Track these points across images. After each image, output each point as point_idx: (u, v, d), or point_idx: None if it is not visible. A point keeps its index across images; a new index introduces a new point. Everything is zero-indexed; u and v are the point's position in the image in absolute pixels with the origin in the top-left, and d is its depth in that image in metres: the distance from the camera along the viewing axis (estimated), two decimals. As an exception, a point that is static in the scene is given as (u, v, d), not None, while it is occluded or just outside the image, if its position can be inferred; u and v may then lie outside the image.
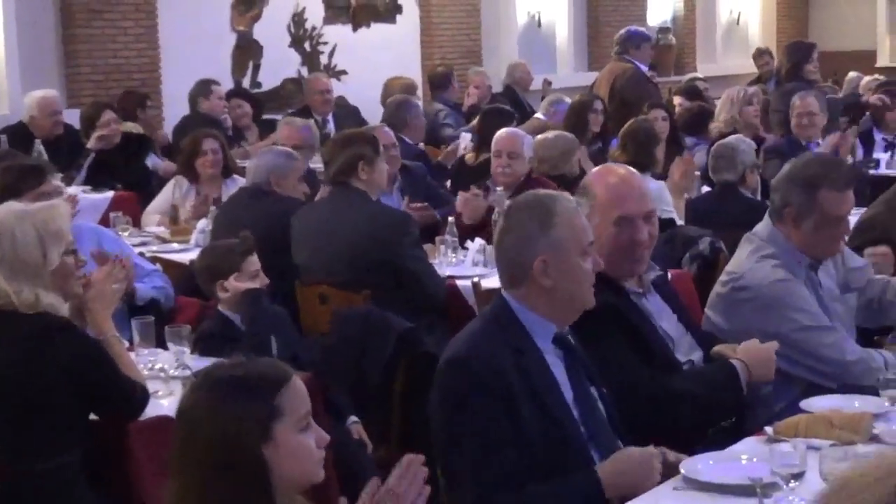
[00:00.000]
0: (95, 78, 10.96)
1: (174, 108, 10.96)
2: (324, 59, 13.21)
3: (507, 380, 3.30)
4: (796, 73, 10.76)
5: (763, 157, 8.14)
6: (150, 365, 4.52)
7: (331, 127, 10.80)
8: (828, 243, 4.38)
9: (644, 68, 10.67)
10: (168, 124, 10.91)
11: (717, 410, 3.95)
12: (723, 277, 4.48)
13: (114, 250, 5.26)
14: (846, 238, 4.57)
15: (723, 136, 8.06)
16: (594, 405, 3.51)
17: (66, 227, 4.13)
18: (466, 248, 6.36)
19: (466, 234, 6.52)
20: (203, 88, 10.54)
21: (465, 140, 9.36)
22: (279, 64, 12.77)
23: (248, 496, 2.46)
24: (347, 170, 6.06)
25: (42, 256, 3.99)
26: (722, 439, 3.74)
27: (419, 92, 12.19)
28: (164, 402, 4.20)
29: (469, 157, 8.62)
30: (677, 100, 10.94)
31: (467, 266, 6.22)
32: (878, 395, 3.77)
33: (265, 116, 11.33)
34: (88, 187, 8.64)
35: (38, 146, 8.68)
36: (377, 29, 13.69)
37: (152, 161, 9.59)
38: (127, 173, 9.02)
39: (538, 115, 10.63)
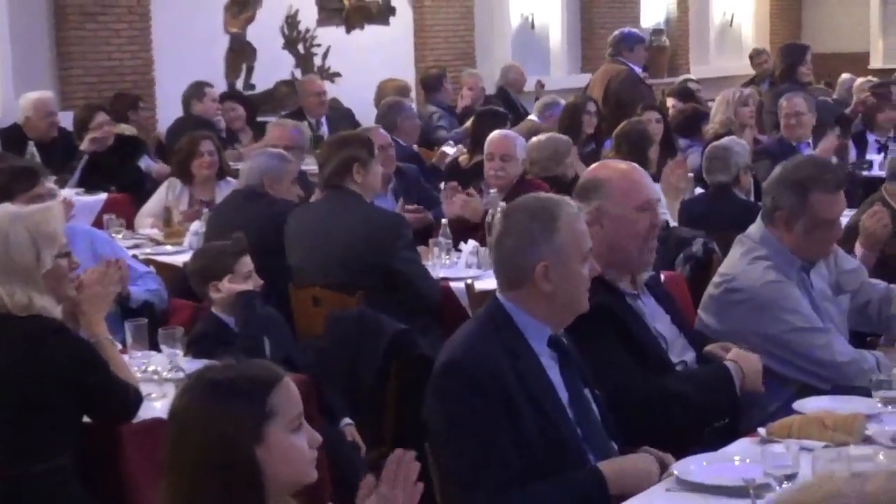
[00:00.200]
0: (88, 80, 10.95)
1: (167, 110, 10.95)
2: (317, 61, 13.20)
3: (504, 382, 3.31)
4: (790, 75, 10.78)
5: (753, 159, 8.15)
6: (143, 367, 4.51)
7: (324, 129, 10.80)
8: (820, 245, 4.39)
9: (638, 70, 10.68)
10: (161, 126, 10.91)
11: (711, 412, 3.97)
12: (716, 279, 4.48)
13: (107, 252, 5.26)
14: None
15: (718, 137, 8.07)
16: (588, 407, 3.53)
17: (60, 230, 4.13)
18: (460, 250, 6.36)
19: (460, 236, 6.52)
20: (196, 90, 10.54)
21: (453, 149, 9.39)
22: (273, 66, 12.76)
23: (241, 498, 2.46)
24: (342, 172, 6.05)
25: (35, 259, 3.98)
26: (715, 440, 3.75)
27: (413, 94, 12.19)
28: (158, 405, 4.20)
29: (462, 159, 8.62)
30: (670, 101, 10.94)
31: (461, 268, 6.22)
32: (870, 396, 3.77)
33: (259, 118, 11.33)
34: (82, 189, 8.63)
35: (31, 148, 8.67)
36: (371, 31, 13.69)
37: (145, 163, 9.58)
38: (120, 175, 9.00)
39: (532, 116, 10.63)
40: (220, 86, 11.57)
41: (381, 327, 5.29)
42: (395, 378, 5.25)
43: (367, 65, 13.02)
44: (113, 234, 6.84)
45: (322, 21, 13.27)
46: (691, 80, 12.82)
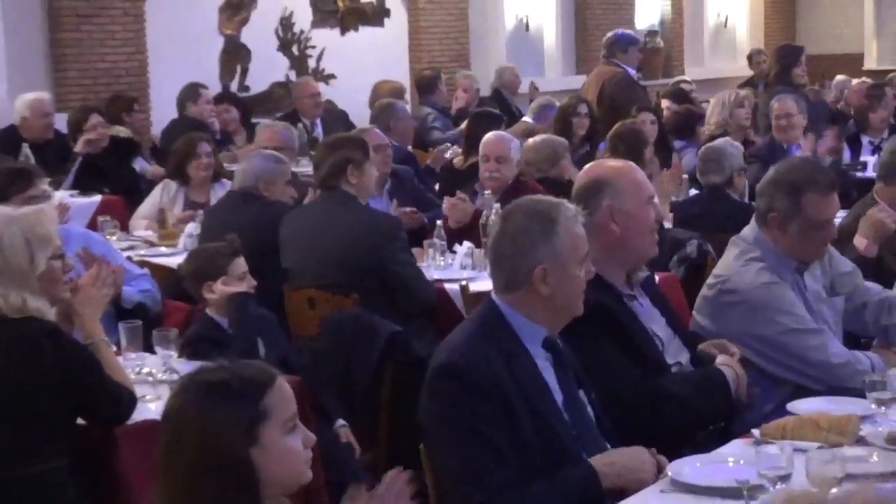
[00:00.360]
0: (83, 82, 10.95)
1: (162, 112, 10.95)
2: (312, 63, 13.20)
3: (499, 383, 3.32)
4: (784, 77, 10.78)
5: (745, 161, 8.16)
6: (137, 369, 4.51)
7: (319, 131, 10.80)
8: (814, 246, 4.39)
9: (632, 72, 10.68)
10: (156, 128, 10.90)
11: (707, 414, 3.98)
12: (710, 280, 4.48)
13: (102, 254, 5.25)
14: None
15: (713, 138, 8.08)
16: (583, 408, 3.53)
17: (54, 232, 4.13)
18: (454, 252, 6.36)
19: (454, 237, 6.52)
20: (191, 92, 10.54)
21: (452, 150, 9.39)
22: (267, 68, 12.76)
23: (236, 499, 2.46)
24: (336, 173, 6.05)
25: (29, 261, 3.98)
26: (710, 442, 3.76)
27: (407, 95, 12.19)
28: (152, 406, 4.19)
29: (457, 160, 8.63)
30: (665, 103, 10.95)
31: (455, 269, 6.22)
32: (864, 397, 3.77)
33: (253, 120, 11.31)
34: (76, 191, 8.62)
35: (26, 150, 8.65)
36: (365, 33, 13.69)
37: (140, 165, 9.58)
38: (115, 177, 9.00)
39: (526, 118, 10.64)
40: (215, 88, 11.56)
41: (376, 329, 5.29)
42: (390, 380, 5.25)
43: (362, 66, 13.02)
44: (107, 236, 6.83)
45: (316, 23, 13.27)
46: (685, 81, 12.83)
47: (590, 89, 10.60)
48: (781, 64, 10.96)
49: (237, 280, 4.87)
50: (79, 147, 8.97)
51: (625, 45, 10.63)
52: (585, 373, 3.62)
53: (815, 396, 3.98)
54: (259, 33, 12.66)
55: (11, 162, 7.03)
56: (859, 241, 5.29)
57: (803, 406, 3.81)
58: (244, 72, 12.66)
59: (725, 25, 18.69)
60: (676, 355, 4.08)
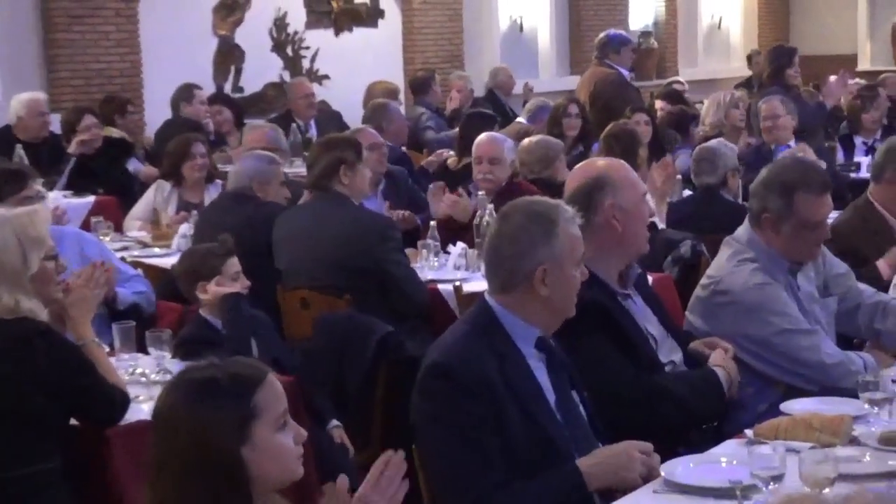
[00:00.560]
0: (76, 83, 10.94)
1: (156, 112, 10.94)
2: (306, 64, 13.20)
3: (491, 384, 3.32)
4: (777, 78, 10.79)
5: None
6: (130, 370, 4.51)
7: (313, 132, 10.80)
8: (807, 247, 4.39)
9: (625, 72, 10.68)
10: (150, 129, 10.90)
11: (700, 415, 3.99)
12: (703, 281, 4.49)
13: (95, 255, 5.25)
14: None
15: (708, 139, 8.08)
16: (576, 409, 3.54)
17: (46, 232, 4.13)
18: (448, 253, 6.36)
19: (448, 238, 6.52)
20: (185, 93, 10.53)
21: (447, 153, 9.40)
22: (261, 69, 12.76)
23: (228, 498, 2.45)
24: (329, 174, 6.05)
25: (22, 261, 3.98)
26: (703, 441, 3.76)
27: (401, 96, 12.19)
28: (145, 407, 4.19)
29: (451, 161, 8.62)
30: (659, 104, 10.95)
31: (449, 270, 6.22)
32: (857, 397, 3.78)
33: (247, 121, 11.31)
34: (70, 192, 8.62)
35: (19, 151, 8.64)
36: (359, 33, 13.69)
37: (133, 165, 9.57)
38: (108, 178, 8.99)
39: (520, 119, 10.64)
40: (209, 88, 11.55)
41: (369, 329, 5.29)
42: (383, 380, 5.25)
43: (356, 67, 13.02)
44: (101, 237, 6.82)
45: (310, 24, 13.27)
46: (678, 81, 12.84)
47: (582, 90, 10.61)
48: (775, 65, 10.97)
49: (230, 280, 4.87)
50: (72, 148, 8.96)
51: (617, 46, 10.63)
52: (579, 371, 3.62)
53: (808, 397, 3.98)
54: (253, 34, 12.66)
55: (5, 163, 7.02)
56: (883, 267, 5.30)
57: (796, 406, 3.81)
58: (238, 72, 12.66)
59: (719, 26, 18.71)
60: (669, 354, 4.09)
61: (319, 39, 13.30)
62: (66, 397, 3.91)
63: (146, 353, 4.58)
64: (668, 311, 4.29)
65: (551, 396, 3.45)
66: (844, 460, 3.16)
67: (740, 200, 7.02)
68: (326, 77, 13.22)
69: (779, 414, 3.72)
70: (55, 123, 9.46)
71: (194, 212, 7.23)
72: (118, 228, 7.67)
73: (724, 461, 3.32)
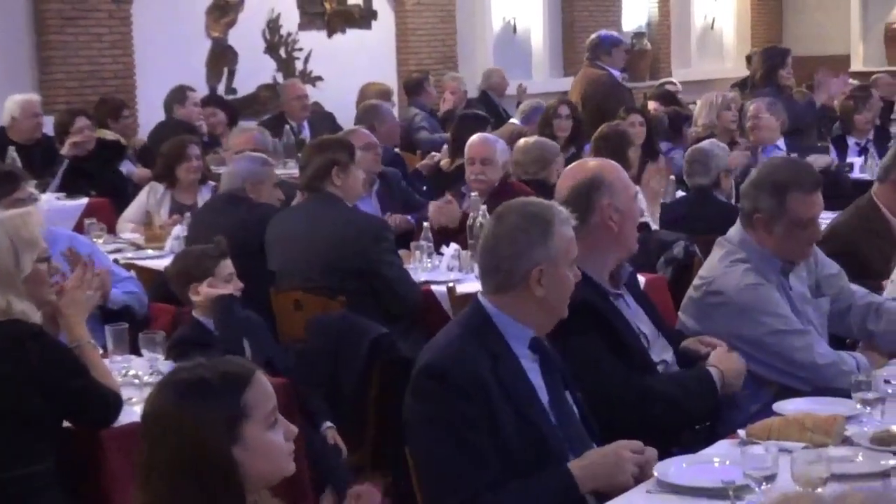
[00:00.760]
0: (70, 84, 10.94)
1: (149, 114, 10.93)
2: (299, 66, 13.20)
3: (485, 386, 3.32)
4: (770, 79, 10.79)
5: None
6: (123, 371, 4.51)
7: (306, 133, 10.79)
8: (799, 246, 4.40)
9: (616, 73, 10.69)
10: (143, 131, 10.88)
11: (693, 415, 3.99)
12: (696, 282, 4.49)
13: (87, 254, 5.24)
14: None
15: (700, 140, 8.08)
16: (569, 409, 3.54)
17: (39, 234, 4.13)
18: (441, 254, 6.36)
19: (441, 239, 6.52)
20: (178, 95, 10.52)
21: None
22: (254, 70, 12.76)
23: (220, 497, 2.45)
24: (322, 175, 6.05)
25: (15, 263, 3.98)
26: (696, 442, 3.76)
27: (395, 97, 12.19)
28: (138, 409, 4.15)
29: (444, 162, 8.63)
30: (652, 105, 10.96)
31: (442, 271, 6.21)
32: (850, 397, 3.78)
33: (241, 123, 11.30)
34: (63, 194, 8.61)
35: (12, 153, 8.64)
36: (352, 35, 13.69)
37: (126, 167, 9.56)
38: (101, 180, 8.98)
39: (513, 120, 10.64)
40: (202, 90, 11.55)
41: (362, 331, 5.29)
42: (377, 381, 5.25)
43: (349, 69, 13.02)
44: (94, 239, 6.81)
45: (304, 25, 13.27)
46: (671, 82, 12.84)
47: (574, 93, 10.61)
48: (767, 66, 10.96)
49: (223, 282, 4.86)
50: (65, 150, 8.95)
51: (608, 47, 10.64)
52: (573, 371, 3.63)
53: (801, 397, 3.99)
54: (246, 35, 12.66)
55: (-2, 164, 7.02)
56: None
57: (789, 406, 3.81)
58: (231, 74, 12.66)
59: (712, 27, 18.72)
60: (661, 353, 4.10)
61: (313, 41, 13.30)
62: (60, 399, 3.90)
63: (139, 354, 4.58)
64: (658, 311, 4.30)
65: (545, 397, 3.46)
66: (837, 460, 3.17)
67: (733, 201, 7.03)
68: (320, 78, 13.22)
69: (771, 414, 3.73)
70: (48, 125, 9.44)
71: (187, 214, 7.23)
72: (111, 230, 7.67)
73: (717, 461, 3.33)
